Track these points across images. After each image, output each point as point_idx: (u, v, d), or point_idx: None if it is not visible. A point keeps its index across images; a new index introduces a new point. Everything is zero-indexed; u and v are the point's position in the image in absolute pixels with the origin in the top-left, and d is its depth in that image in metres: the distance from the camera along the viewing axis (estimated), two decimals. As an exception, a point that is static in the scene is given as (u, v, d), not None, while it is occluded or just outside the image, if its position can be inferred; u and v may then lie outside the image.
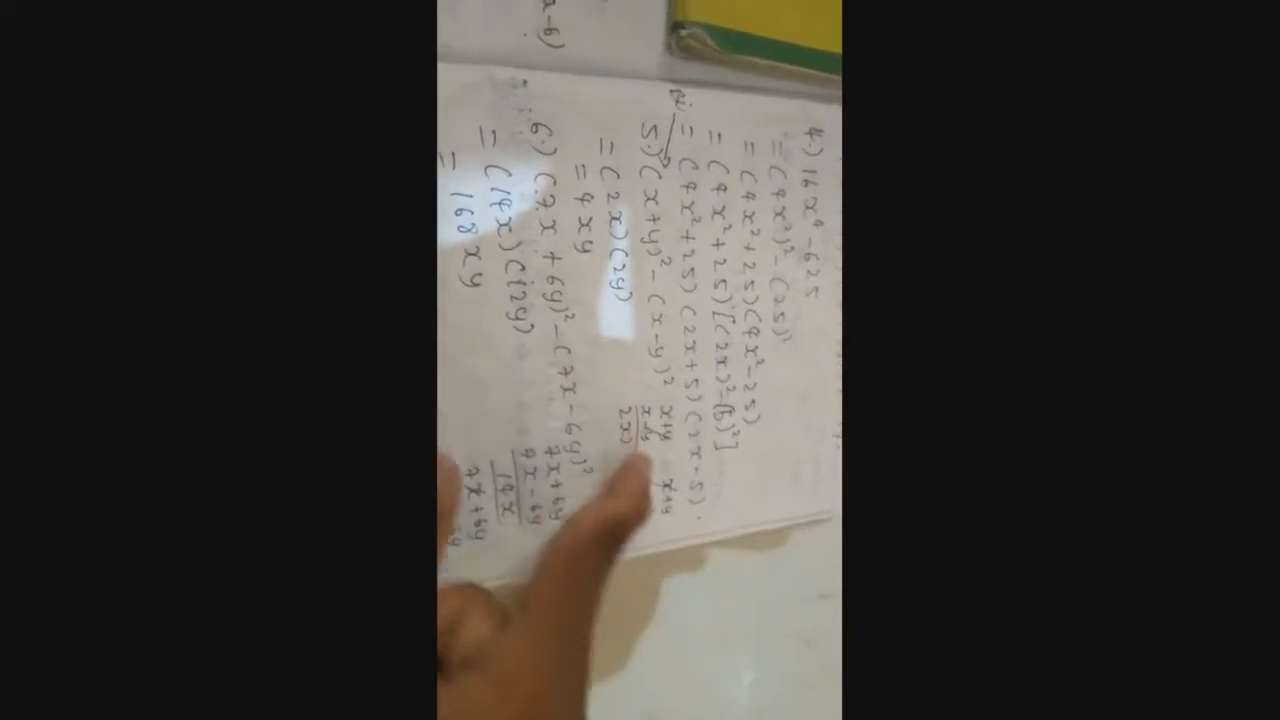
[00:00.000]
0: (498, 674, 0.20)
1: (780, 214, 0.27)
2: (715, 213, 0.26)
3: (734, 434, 0.28)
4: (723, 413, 0.28)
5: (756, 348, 0.28)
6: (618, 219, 0.24)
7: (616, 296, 0.25)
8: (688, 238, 0.26)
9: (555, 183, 0.23)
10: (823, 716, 0.33)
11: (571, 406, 0.25)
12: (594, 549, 0.23)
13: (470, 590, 0.23)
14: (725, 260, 0.26)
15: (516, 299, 0.23)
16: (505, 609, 0.23)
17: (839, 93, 0.27)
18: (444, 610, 0.22)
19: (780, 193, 0.27)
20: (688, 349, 0.26)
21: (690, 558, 0.24)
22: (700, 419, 0.27)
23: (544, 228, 0.23)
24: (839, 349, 0.29)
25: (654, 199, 0.25)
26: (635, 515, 0.24)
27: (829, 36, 0.25)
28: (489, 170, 0.22)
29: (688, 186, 0.25)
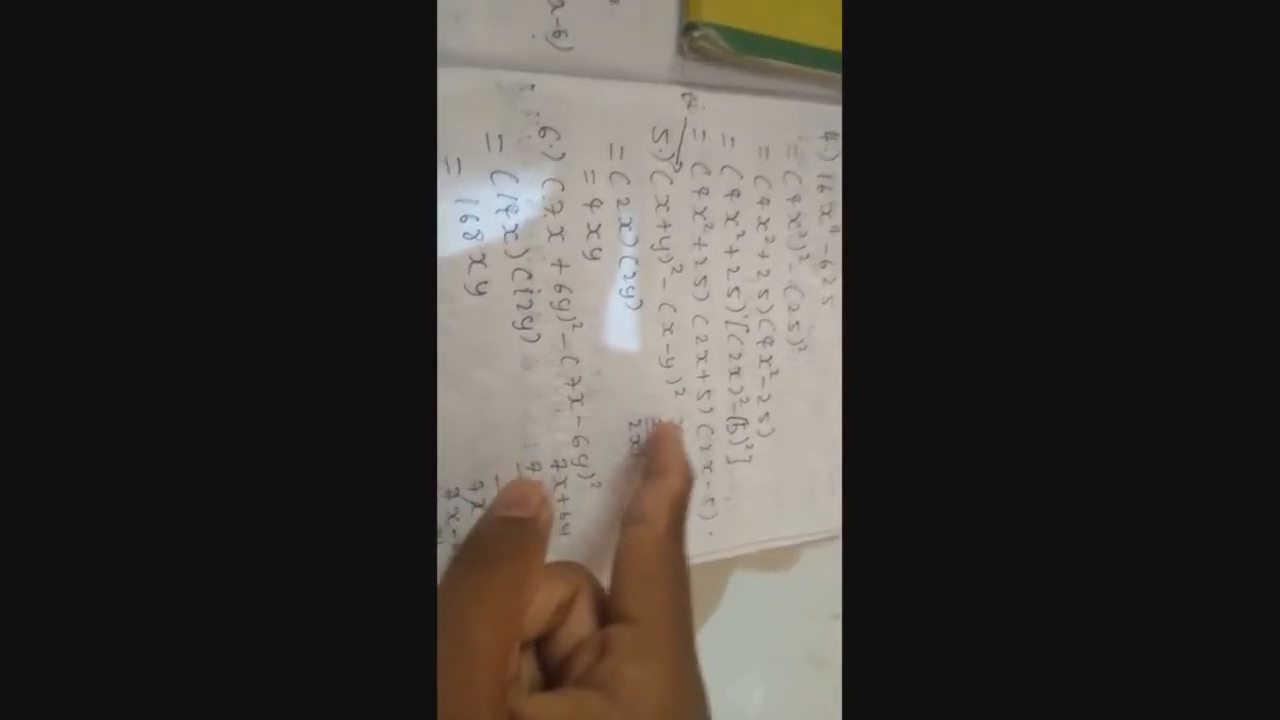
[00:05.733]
0: (625, 697, 0.18)
1: (795, 220, 0.26)
2: (728, 219, 0.25)
3: (747, 447, 0.27)
4: (736, 425, 0.27)
5: (771, 358, 0.27)
6: (628, 225, 0.24)
7: (626, 305, 0.24)
8: (700, 244, 0.25)
9: (563, 188, 0.22)
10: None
11: (579, 418, 0.24)
12: (673, 541, 0.21)
13: (581, 575, 0.21)
14: (739, 268, 0.26)
15: (523, 308, 0.22)
16: (605, 597, 0.21)
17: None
18: (552, 596, 0.20)
19: (795, 198, 0.26)
20: (699, 359, 0.26)
21: (701, 575, 0.23)
22: (712, 432, 0.26)
23: (551, 234, 0.22)
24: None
25: (665, 205, 0.24)
26: (689, 487, 0.23)
27: (846, 38, 0.25)
28: (495, 176, 0.22)
29: (700, 192, 0.24)
